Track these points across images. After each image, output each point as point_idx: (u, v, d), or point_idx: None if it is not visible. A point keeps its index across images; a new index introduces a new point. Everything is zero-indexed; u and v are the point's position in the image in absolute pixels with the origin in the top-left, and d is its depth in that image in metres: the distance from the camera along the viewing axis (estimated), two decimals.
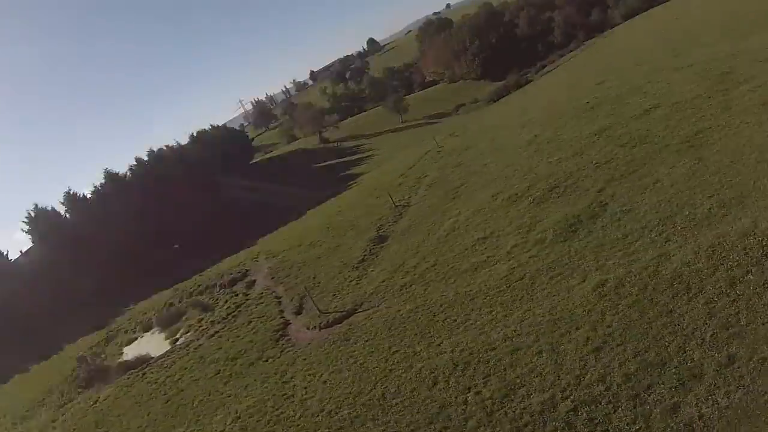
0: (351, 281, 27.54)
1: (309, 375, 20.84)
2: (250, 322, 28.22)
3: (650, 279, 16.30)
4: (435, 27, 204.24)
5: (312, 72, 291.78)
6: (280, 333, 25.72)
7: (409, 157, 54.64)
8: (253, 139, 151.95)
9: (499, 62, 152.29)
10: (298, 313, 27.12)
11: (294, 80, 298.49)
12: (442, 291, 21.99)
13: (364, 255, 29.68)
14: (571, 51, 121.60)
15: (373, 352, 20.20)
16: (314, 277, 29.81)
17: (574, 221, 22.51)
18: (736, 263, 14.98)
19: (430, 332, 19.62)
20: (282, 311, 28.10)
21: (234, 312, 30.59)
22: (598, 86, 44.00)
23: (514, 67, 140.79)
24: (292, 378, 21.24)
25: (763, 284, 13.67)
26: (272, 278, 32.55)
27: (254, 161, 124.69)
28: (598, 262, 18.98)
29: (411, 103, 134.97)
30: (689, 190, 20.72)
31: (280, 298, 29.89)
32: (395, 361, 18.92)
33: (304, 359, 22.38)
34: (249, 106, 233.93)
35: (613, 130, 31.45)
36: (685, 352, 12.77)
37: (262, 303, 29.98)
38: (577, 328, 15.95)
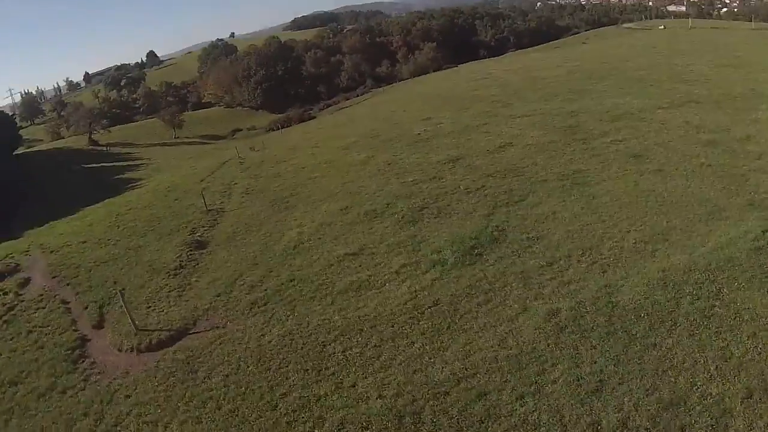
0: (170, 291, 20.26)
1: (145, 426, 13.39)
2: (30, 332, 19.31)
3: (610, 310, 14.00)
4: (219, 50, 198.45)
5: (87, 74, 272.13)
6: (77, 353, 17.44)
7: (202, 166, 48.01)
8: (19, 129, 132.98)
9: (281, 95, 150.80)
10: (99, 326, 19.00)
11: (67, 79, 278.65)
12: (322, 314, 16.38)
13: (181, 261, 22.76)
14: (361, 95, 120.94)
15: (245, 393, 13.51)
16: (116, 282, 22.28)
17: (474, 244, 18.53)
18: (696, 296, 13.93)
19: (329, 367, 13.76)
20: (74, 321, 19.57)
21: (4, 316, 21.49)
22: (424, 121, 41.75)
23: (296, 101, 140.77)
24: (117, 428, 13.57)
25: (735, 317, 12.84)
26: (54, 277, 23.85)
27: (17, 152, 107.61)
28: (530, 290, 15.51)
29: (186, 120, 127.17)
30: (599, 223, 19.04)
31: (68, 304, 20.97)
32: (291, 410, 12.62)
33: (128, 397, 14.51)
34: (19, 98, 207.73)
35: (469, 160, 28.56)
36: (698, 387, 11.01)
37: (43, 308, 20.50)
38: (553, 365, 12.15)
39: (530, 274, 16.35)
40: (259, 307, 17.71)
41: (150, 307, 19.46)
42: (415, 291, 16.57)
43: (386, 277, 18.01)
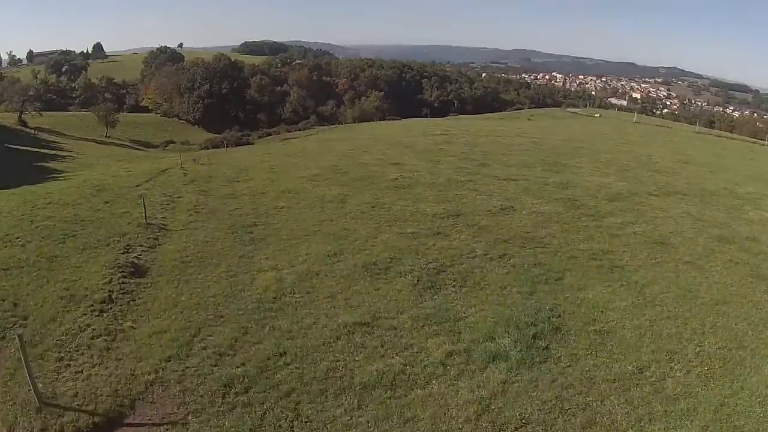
0: (94, 337, 13.47)
1: None
2: None
3: None
4: (166, 56, 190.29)
5: (31, 52, 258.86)
6: None
7: (138, 170, 41.56)
8: None
9: (221, 114, 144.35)
10: None
11: (10, 52, 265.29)
12: (347, 424, 10.49)
13: (110, 290, 16.45)
14: (304, 129, 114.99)
15: None
16: (15, 305, 15.68)
17: (535, 333, 13.80)
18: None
19: None
20: None
21: None
22: (395, 166, 36.89)
23: (235, 124, 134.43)
24: None
25: None
26: None
27: None
28: (636, 407, 11.36)
29: (120, 121, 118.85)
30: (665, 319, 15.49)
31: None
32: None
33: None
34: None
35: (471, 218, 23.76)
36: None
37: None
38: None
39: (625, 384, 11.88)
40: (237, 396, 11.37)
41: (63, 360, 12.63)
42: (482, 398, 11.23)
43: (429, 369, 12.41)
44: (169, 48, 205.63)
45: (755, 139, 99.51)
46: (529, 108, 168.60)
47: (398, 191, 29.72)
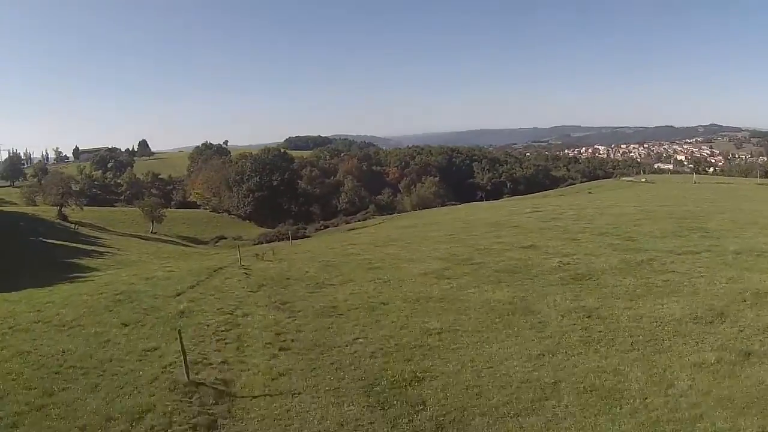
0: None
1: None
2: None
3: None
4: (212, 151, 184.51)
5: (77, 148, 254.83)
6: None
7: (183, 270, 29.81)
8: None
9: (273, 207, 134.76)
10: None
11: (57, 149, 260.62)
12: None
13: None
14: (364, 219, 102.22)
15: None
16: None
17: None
18: None
19: None
20: None
21: None
22: (528, 249, 25.24)
23: (288, 218, 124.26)
24: None
25: None
26: None
27: None
28: None
29: (167, 216, 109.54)
30: None
31: None
32: None
33: None
34: (5, 156, 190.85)
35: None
36: None
37: None
38: None
39: None
40: None
41: None
42: None
43: None
44: (214, 144, 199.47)
45: None
46: (581, 182, 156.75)
47: (582, 284, 18.76)
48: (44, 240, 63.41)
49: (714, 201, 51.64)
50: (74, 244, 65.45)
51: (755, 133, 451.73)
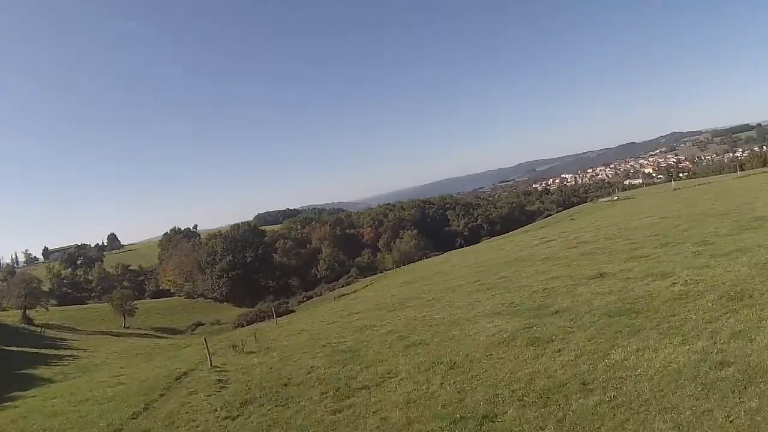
0: None
1: None
2: None
3: None
4: (182, 235, 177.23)
5: (46, 249, 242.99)
6: None
7: (147, 376, 23.42)
8: None
9: (249, 285, 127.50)
10: None
11: (26, 251, 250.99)
12: None
13: None
14: (349, 284, 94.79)
15: None
16: None
17: None
18: None
19: None
20: None
21: None
22: (571, 291, 19.62)
23: (266, 294, 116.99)
24: None
25: None
26: None
27: None
28: None
29: (140, 308, 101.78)
30: None
31: None
32: None
33: None
34: None
35: None
36: None
37: None
38: None
39: None
40: None
41: None
42: None
43: None
44: (182, 229, 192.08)
45: None
46: (557, 212, 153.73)
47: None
48: (3, 347, 55.86)
49: (696, 204, 47.40)
50: (36, 350, 58.09)
51: (716, 133, 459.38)
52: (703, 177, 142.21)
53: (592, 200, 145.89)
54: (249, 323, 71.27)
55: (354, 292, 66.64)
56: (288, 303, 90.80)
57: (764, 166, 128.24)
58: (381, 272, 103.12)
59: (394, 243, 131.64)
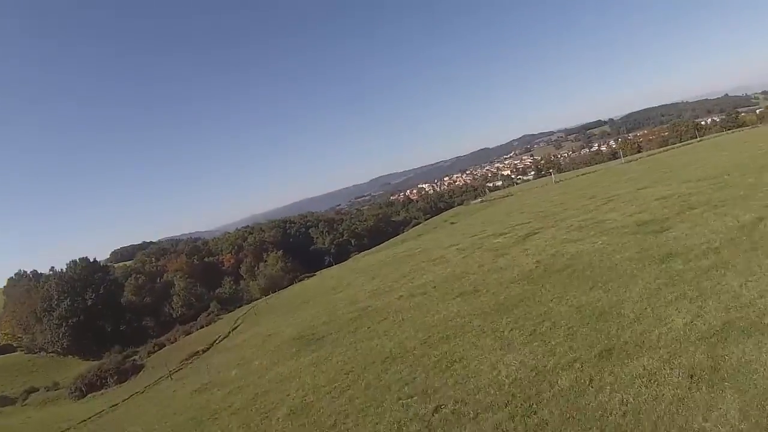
0: None
1: None
2: None
3: None
4: (26, 279, 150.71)
5: None
6: None
7: None
8: None
9: (95, 333, 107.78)
10: None
11: None
12: None
13: None
14: (209, 324, 77.22)
15: None
16: None
17: None
18: None
19: None
20: None
21: None
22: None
23: (117, 341, 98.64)
24: None
25: None
26: None
27: None
28: None
29: None
30: None
31: None
32: None
33: None
34: None
35: None
36: None
37: None
38: None
39: None
40: None
41: None
42: None
43: None
44: (28, 272, 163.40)
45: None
46: (425, 219, 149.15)
47: None
48: None
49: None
50: None
51: (569, 131, 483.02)
52: (584, 167, 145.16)
53: (463, 203, 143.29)
54: (86, 387, 56.91)
55: (216, 338, 53.60)
56: (137, 354, 75.35)
57: (639, 152, 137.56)
58: (248, 302, 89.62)
59: (258, 268, 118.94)
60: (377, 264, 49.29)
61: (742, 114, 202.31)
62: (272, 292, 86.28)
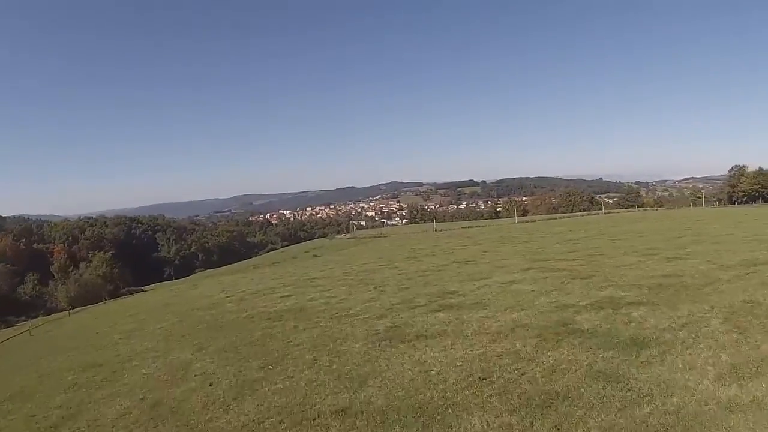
0: None
1: None
2: None
3: None
4: None
5: None
6: None
7: None
8: None
9: None
10: None
11: None
12: None
13: None
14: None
15: None
16: None
17: None
18: None
19: None
20: None
21: None
22: None
23: None
24: None
25: None
26: None
27: None
28: None
29: None
30: None
31: None
32: None
33: None
34: None
35: None
36: None
37: None
38: None
39: None
40: None
41: None
42: None
43: None
44: None
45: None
46: (282, 246, 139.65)
47: None
48: None
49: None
50: None
51: (439, 186, 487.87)
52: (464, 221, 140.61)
53: (327, 236, 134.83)
54: None
55: None
56: None
57: (525, 215, 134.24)
58: (47, 313, 68.09)
59: (75, 269, 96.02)
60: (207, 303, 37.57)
61: (642, 195, 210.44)
62: (83, 305, 68.92)
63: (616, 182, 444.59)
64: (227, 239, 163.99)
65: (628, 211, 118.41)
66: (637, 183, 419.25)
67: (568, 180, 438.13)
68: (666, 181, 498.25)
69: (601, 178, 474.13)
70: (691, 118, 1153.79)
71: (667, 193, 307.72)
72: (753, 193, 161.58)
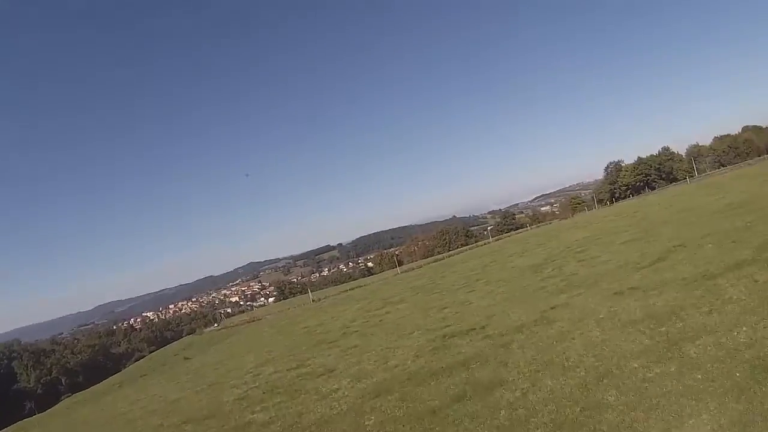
0: None
1: None
2: None
3: None
4: None
5: None
6: None
7: None
8: None
9: None
10: None
11: None
12: None
13: None
14: None
15: None
16: None
17: None
18: None
19: None
20: None
21: None
22: None
23: None
24: None
25: None
26: None
27: None
28: None
29: None
30: None
31: None
32: None
33: None
34: None
35: None
36: None
37: None
38: None
39: None
40: None
41: None
42: None
43: None
44: None
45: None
46: (150, 351, 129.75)
47: None
48: None
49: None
50: None
51: (296, 257, 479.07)
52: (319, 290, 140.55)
53: (195, 332, 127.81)
54: None
55: None
56: None
57: (400, 265, 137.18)
58: None
59: None
60: None
61: (519, 215, 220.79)
62: None
63: (470, 216, 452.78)
64: (90, 355, 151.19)
65: (518, 232, 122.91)
66: (491, 213, 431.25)
67: (422, 225, 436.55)
68: (517, 204, 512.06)
69: (454, 216, 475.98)
70: (527, 140, 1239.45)
71: (547, 209, 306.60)
72: (637, 183, 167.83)
